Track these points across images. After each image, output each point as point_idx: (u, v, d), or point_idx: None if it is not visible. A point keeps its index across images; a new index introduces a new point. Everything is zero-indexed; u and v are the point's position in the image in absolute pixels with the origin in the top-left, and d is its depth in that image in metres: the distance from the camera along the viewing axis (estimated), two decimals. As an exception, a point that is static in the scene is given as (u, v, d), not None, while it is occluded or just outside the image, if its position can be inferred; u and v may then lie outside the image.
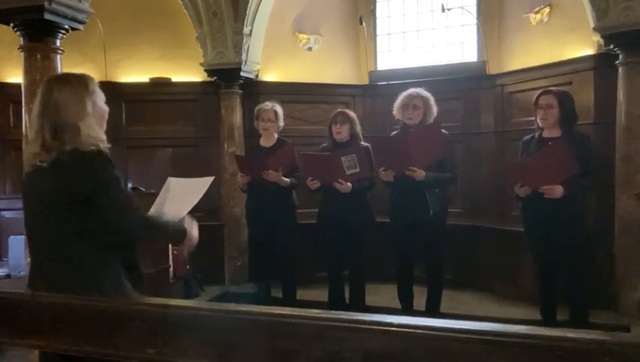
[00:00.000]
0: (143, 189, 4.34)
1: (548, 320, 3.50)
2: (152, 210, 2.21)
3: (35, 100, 1.87)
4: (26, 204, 1.90)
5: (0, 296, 1.60)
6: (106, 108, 1.95)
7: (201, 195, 2.30)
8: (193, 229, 2.07)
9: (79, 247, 1.79)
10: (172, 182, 2.24)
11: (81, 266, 1.78)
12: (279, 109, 4.12)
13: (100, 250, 1.81)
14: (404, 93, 3.79)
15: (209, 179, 2.34)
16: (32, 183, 1.85)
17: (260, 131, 4.13)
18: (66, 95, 1.81)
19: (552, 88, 3.54)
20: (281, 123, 4.13)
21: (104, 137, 1.88)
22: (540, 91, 3.51)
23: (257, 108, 4.17)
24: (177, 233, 2.00)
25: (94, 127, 1.84)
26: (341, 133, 3.89)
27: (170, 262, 4.59)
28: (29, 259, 3.10)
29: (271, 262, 4.19)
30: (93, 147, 1.78)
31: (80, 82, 1.87)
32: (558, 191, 3.18)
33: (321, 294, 4.15)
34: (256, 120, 4.14)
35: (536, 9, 4.66)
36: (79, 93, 1.83)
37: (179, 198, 2.23)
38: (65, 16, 3.57)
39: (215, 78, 5.21)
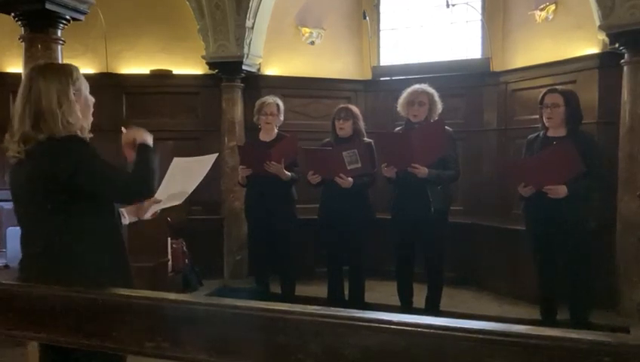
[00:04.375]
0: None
1: (548, 320, 3.49)
2: (159, 192, 2.21)
3: (19, 90, 1.87)
4: (12, 196, 1.93)
5: (-2, 287, 1.60)
6: (91, 98, 1.94)
7: (206, 172, 2.32)
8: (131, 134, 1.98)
9: (66, 236, 1.79)
10: (177, 162, 2.24)
11: (69, 254, 1.78)
12: (281, 104, 4.11)
13: (86, 236, 1.81)
14: (409, 90, 3.76)
15: (213, 156, 2.36)
16: (14, 175, 1.87)
17: (260, 125, 4.11)
18: (49, 83, 1.81)
19: (557, 87, 3.52)
20: (282, 117, 4.12)
21: (86, 125, 1.88)
22: (545, 90, 3.49)
23: (259, 102, 4.15)
24: (145, 153, 1.92)
25: (77, 115, 1.84)
26: (344, 128, 3.88)
27: (169, 256, 4.59)
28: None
29: (270, 257, 4.18)
30: (67, 133, 1.79)
31: (62, 70, 1.88)
32: (561, 191, 3.17)
33: (321, 290, 4.14)
34: (257, 114, 4.12)
35: (541, 6, 4.65)
36: (61, 81, 1.83)
37: (184, 177, 2.24)
38: (66, 7, 3.55)
39: (216, 71, 5.19)
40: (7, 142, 1.84)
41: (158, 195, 2.18)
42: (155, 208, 2.19)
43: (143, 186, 1.88)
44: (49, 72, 1.85)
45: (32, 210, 1.82)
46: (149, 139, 1.96)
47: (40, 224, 1.82)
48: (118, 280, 1.83)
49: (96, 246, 1.84)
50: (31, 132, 1.78)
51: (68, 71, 1.87)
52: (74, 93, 1.84)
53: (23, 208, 1.87)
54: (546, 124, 3.40)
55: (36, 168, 1.78)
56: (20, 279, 1.83)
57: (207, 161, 2.33)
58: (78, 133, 1.83)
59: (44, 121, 1.78)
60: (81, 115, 1.86)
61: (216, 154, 2.35)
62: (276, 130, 4.11)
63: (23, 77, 1.94)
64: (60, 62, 3.48)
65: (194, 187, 2.26)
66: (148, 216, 2.18)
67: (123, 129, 2.00)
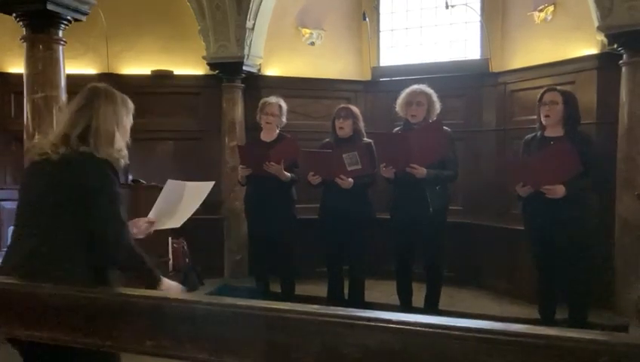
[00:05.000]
0: (144, 182, 4.35)
1: (546, 319, 3.50)
2: (152, 213, 2.22)
3: (74, 100, 1.94)
4: (24, 190, 1.93)
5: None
6: (129, 131, 2.02)
7: (203, 199, 2.31)
8: (173, 288, 1.99)
9: (64, 244, 1.79)
10: (171, 183, 2.25)
11: (68, 259, 1.78)
12: (284, 104, 4.11)
13: (88, 248, 1.82)
14: (408, 90, 3.77)
15: (209, 184, 2.35)
16: (37, 172, 1.88)
17: (261, 124, 4.12)
18: (114, 106, 1.92)
19: (556, 87, 3.53)
20: (284, 119, 4.12)
21: (126, 152, 1.94)
22: (544, 88, 3.50)
23: (262, 101, 4.16)
24: (152, 278, 1.91)
25: (120, 141, 1.92)
26: (344, 128, 3.88)
27: (170, 255, 4.60)
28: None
29: (270, 256, 4.19)
30: (107, 156, 1.84)
31: (125, 100, 1.99)
32: (559, 191, 3.18)
33: (320, 289, 4.15)
34: (259, 113, 4.13)
35: (540, 7, 4.65)
36: (121, 108, 1.94)
37: (179, 200, 2.24)
38: (67, 7, 3.56)
39: (217, 71, 5.20)
40: (41, 139, 1.87)
41: (151, 215, 2.20)
42: (150, 228, 2.20)
43: (126, 258, 1.85)
44: (116, 97, 1.95)
45: (42, 209, 1.82)
46: (171, 289, 1.96)
47: (44, 224, 1.81)
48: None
49: (94, 258, 1.83)
50: (75, 140, 1.83)
51: (127, 100, 1.99)
52: (126, 123, 1.97)
53: (33, 204, 1.86)
54: (544, 122, 3.40)
55: (64, 174, 1.80)
56: (14, 274, 1.80)
57: (204, 187, 2.33)
58: (121, 161, 1.88)
59: (98, 137, 1.84)
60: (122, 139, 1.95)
61: (213, 183, 2.36)
62: (277, 131, 4.11)
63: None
64: (63, 64, 3.59)
65: (191, 212, 2.27)
66: (140, 235, 2.17)
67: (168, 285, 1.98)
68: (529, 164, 3.38)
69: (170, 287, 1.96)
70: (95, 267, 1.83)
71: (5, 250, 1.93)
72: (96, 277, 1.82)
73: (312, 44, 5.48)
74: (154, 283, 1.90)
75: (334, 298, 4.00)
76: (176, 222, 2.29)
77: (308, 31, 5.45)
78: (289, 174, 3.89)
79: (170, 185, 2.24)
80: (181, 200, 2.25)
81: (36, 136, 1.92)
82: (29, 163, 1.96)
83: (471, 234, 4.79)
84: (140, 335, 1.42)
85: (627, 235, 3.88)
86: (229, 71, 5.16)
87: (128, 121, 1.99)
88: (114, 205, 1.82)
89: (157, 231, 2.27)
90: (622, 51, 3.90)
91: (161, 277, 1.94)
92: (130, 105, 2.00)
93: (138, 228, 2.16)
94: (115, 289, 1.64)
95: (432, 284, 3.84)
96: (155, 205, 2.24)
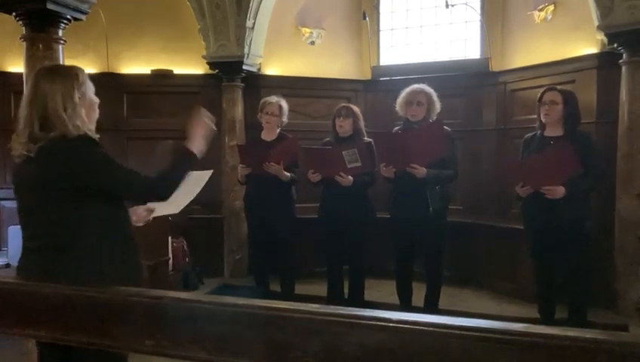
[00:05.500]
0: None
1: (546, 319, 3.50)
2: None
3: (25, 91, 1.91)
4: (17, 193, 1.93)
5: (-1, 286, 1.60)
6: (96, 99, 1.96)
7: (200, 188, 2.32)
8: (198, 132, 2.02)
9: (76, 235, 1.79)
10: None
11: (78, 255, 1.78)
12: (284, 105, 4.11)
13: (97, 237, 1.82)
14: (407, 90, 3.77)
15: (207, 173, 2.36)
16: (22, 173, 1.88)
17: (262, 124, 4.12)
18: (54, 86, 1.83)
19: (557, 86, 3.53)
20: (285, 119, 4.12)
21: (93, 127, 1.90)
22: (544, 88, 3.50)
23: (263, 100, 4.17)
24: (189, 163, 1.97)
25: (82, 118, 1.85)
26: (344, 126, 3.88)
27: (170, 255, 4.60)
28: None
29: (270, 256, 4.19)
30: (77, 132, 1.81)
31: (68, 73, 1.89)
32: (559, 191, 3.17)
33: (320, 289, 4.15)
34: (260, 112, 4.13)
35: (540, 7, 4.65)
36: (67, 84, 1.85)
37: (177, 191, 2.24)
38: (67, 6, 3.55)
39: (217, 70, 5.20)
40: (14, 141, 1.85)
41: (148, 203, 2.20)
42: (149, 216, 2.21)
43: (162, 189, 1.90)
44: (54, 76, 1.86)
45: (41, 207, 1.82)
46: (201, 149, 1.99)
47: (49, 221, 1.82)
48: (129, 274, 1.84)
49: (107, 241, 1.85)
50: (39, 133, 1.80)
51: (73, 74, 1.89)
52: (79, 97, 1.86)
53: (30, 205, 1.87)
54: (543, 120, 3.40)
55: (48, 166, 1.78)
56: (22, 275, 1.82)
57: (203, 176, 2.36)
58: (88, 134, 1.84)
59: (52, 123, 1.80)
60: (87, 117, 1.87)
61: (211, 171, 2.38)
62: (278, 130, 4.12)
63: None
64: (62, 63, 3.50)
65: (189, 200, 2.29)
66: (140, 223, 2.18)
67: (202, 116, 2.05)
68: (529, 164, 3.38)
69: (196, 132, 2.00)
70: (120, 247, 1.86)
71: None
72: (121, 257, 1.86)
73: (312, 43, 5.48)
74: (195, 162, 1.96)
75: (334, 297, 4.00)
76: (175, 208, 2.31)
77: (308, 30, 5.45)
78: (289, 174, 3.89)
79: None
80: (180, 188, 2.26)
81: (12, 142, 1.89)
82: (14, 167, 1.94)
83: (471, 234, 4.79)
84: (140, 335, 1.41)
85: (627, 234, 3.88)
86: (228, 70, 5.16)
87: (87, 90, 1.90)
88: (118, 167, 1.83)
89: (156, 231, 2.28)
90: (622, 51, 3.89)
91: (188, 149, 1.96)
92: (82, 75, 1.90)
93: (137, 215, 2.16)
94: (114, 287, 1.63)
95: (432, 284, 3.84)
96: None
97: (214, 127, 2.09)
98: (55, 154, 1.78)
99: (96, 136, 1.88)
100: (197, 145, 1.97)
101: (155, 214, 2.24)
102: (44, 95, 1.82)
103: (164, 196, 1.92)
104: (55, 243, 1.80)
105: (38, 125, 1.80)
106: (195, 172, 2.33)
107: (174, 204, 2.28)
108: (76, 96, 1.85)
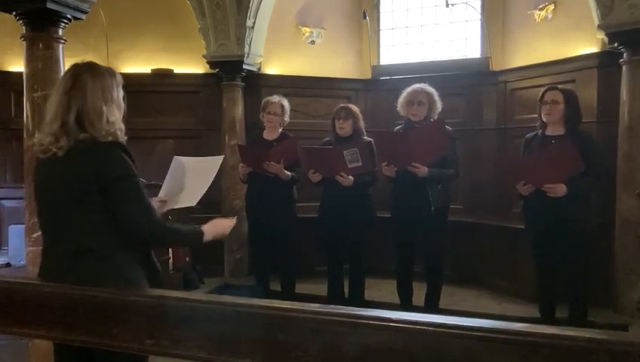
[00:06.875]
0: (145, 180, 4.34)
1: (547, 318, 3.50)
2: (162, 192, 2.20)
3: (60, 83, 1.88)
4: (40, 193, 1.89)
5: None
6: (123, 104, 1.97)
7: (213, 177, 2.27)
8: (219, 225, 2.03)
9: (99, 238, 1.77)
10: (178, 160, 2.21)
11: (102, 257, 1.76)
12: (286, 104, 4.11)
13: (118, 241, 1.80)
14: (409, 89, 3.76)
15: (219, 158, 2.32)
16: (47, 172, 1.84)
17: (264, 123, 4.13)
18: (98, 80, 1.83)
19: (558, 85, 3.53)
20: (287, 118, 4.12)
21: (123, 126, 1.88)
22: (546, 87, 3.50)
23: (265, 100, 4.17)
24: (194, 240, 1.97)
25: (117, 116, 1.86)
26: (344, 128, 3.89)
27: (170, 254, 4.60)
28: (30, 248, 3.10)
29: (270, 255, 4.19)
30: (110, 137, 1.79)
31: (110, 71, 1.91)
32: (561, 190, 3.17)
33: (321, 288, 4.15)
34: (262, 111, 4.14)
35: (540, 6, 4.65)
36: (109, 81, 1.87)
37: (190, 177, 2.21)
38: (67, 6, 3.55)
39: (217, 70, 5.19)
40: (41, 132, 1.83)
41: (161, 194, 2.17)
42: (163, 207, 2.19)
43: (154, 233, 1.84)
44: (97, 71, 1.86)
45: (66, 209, 1.79)
46: (210, 238, 1.97)
47: (73, 223, 1.78)
48: (149, 276, 1.84)
49: (129, 245, 1.83)
50: (74, 126, 1.77)
51: (114, 72, 1.92)
52: (116, 96, 1.89)
53: (55, 206, 1.82)
54: (544, 120, 3.41)
55: (77, 167, 1.76)
56: (46, 279, 1.77)
57: (214, 162, 2.29)
58: (118, 133, 1.83)
59: (87, 117, 1.78)
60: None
61: (222, 156, 2.33)
62: (280, 130, 4.12)
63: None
64: (62, 63, 3.52)
65: (205, 189, 2.22)
66: None
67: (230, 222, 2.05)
68: (530, 162, 3.38)
69: (216, 226, 1.99)
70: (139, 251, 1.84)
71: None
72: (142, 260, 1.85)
73: (313, 42, 5.47)
74: (198, 242, 1.93)
75: (334, 297, 4.01)
76: (191, 200, 2.24)
77: (308, 29, 5.45)
78: (289, 173, 3.89)
79: (177, 161, 2.20)
80: (192, 178, 2.21)
81: (36, 135, 1.86)
82: (35, 163, 1.90)
83: (472, 233, 4.79)
84: (140, 334, 1.41)
85: (627, 234, 3.87)
86: (229, 70, 5.16)
87: (119, 93, 1.92)
88: (137, 188, 1.80)
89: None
90: (622, 50, 3.89)
91: (201, 228, 1.95)
92: (119, 76, 1.93)
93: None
94: (113, 287, 1.63)
95: (433, 283, 3.84)
96: (163, 184, 2.22)
97: (231, 227, 2.10)
98: (86, 156, 1.76)
99: (125, 138, 1.87)
100: (210, 233, 1.97)
101: (170, 206, 2.22)
102: (84, 87, 1.80)
103: (148, 239, 1.87)
104: (82, 247, 1.76)
105: (74, 117, 1.78)
106: (204, 158, 2.29)
107: (190, 197, 2.23)
108: (115, 93, 1.88)
